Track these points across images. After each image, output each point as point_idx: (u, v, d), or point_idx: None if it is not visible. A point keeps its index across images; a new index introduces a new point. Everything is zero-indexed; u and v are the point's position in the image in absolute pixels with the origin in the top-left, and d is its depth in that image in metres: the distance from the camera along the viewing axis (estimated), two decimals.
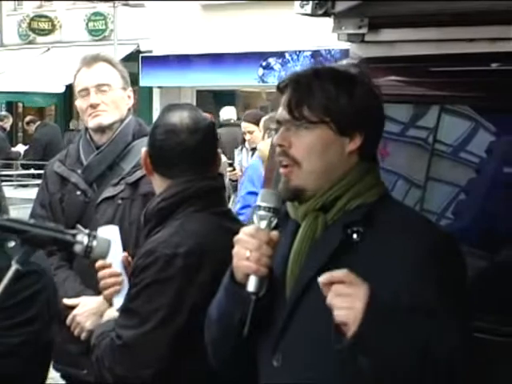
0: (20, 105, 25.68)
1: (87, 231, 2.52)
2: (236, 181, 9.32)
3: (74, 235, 2.49)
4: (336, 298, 1.96)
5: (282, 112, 2.21)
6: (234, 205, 9.42)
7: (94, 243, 2.47)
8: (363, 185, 2.17)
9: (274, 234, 2.13)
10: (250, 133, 9.12)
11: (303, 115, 2.16)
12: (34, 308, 2.66)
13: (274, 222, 2.15)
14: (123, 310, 2.67)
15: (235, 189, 9.34)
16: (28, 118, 18.55)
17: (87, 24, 23.45)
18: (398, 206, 2.26)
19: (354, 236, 2.11)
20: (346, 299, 1.94)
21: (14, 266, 2.41)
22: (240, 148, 9.69)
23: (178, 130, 2.73)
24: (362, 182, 2.17)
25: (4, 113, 20.58)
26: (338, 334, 1.96)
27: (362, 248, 2.10)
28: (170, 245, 2.61)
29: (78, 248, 2.48)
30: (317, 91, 2.17)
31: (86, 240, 2.47)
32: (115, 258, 2.82)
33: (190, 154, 2.74)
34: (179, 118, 2.76)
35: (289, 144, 2.18)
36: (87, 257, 2.51)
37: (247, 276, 2.11)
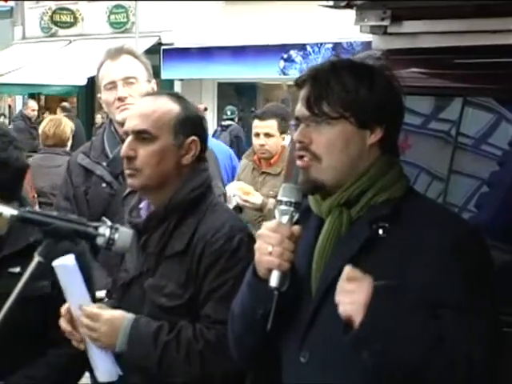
0: (42, 98, 25.77)
1: (109, 224, 2.53)
2: None
3: (96, 227, 2.50)
4: (341, 295, 1.98)
5: (300, 108, 2.20)
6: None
7: (116, 236, 2.48)
8: (388, 179, 2.16)
9: (296, 228, 2.12)
10: None
11: (323, 111, 2.15)
12: None
13: (296, 216, 2.14)
14: (224, 298, 2.56)
15: None
16: (63, 104, 18.28)
17: (109, 17, 23.48)
18: (424, 201, 2.25)
19: (380, 232, 2.09)
20: (349, 294, 1.97)
21: (37, 259, 2.42)
22: None
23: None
24: (386, 176, 2.16)
25: (27, 100, 20.44)
26: (347, 327, 1.97)
27: (388, 243, 2.08)
28: (238, 228, 2.68)
29: (100, 240, 2.49)
30: (335, 86, 2.15)
31: (108, 232, 2.48)
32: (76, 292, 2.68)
33: None
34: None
35: (309, 140, 2.17)
36: (109, 249, 2.52)
37: (269, 271, 2.10)
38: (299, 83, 2.22)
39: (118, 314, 2.69)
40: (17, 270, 2.88)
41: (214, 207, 2.74)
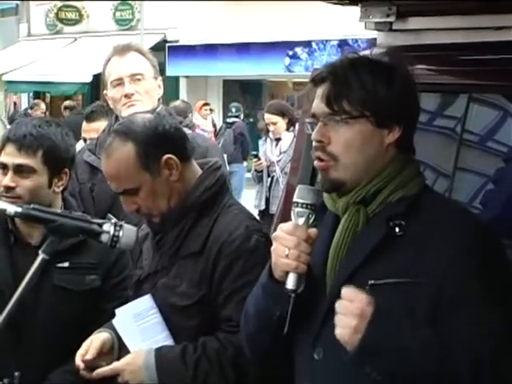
0: (48, 95, 25.79)
1: (114, 221, 2.53)
2: (261, 171, 9.29)
3: (100, 225, 2.50)
4: (337, 316, 1.98)
5: (319, 105, 2.18)
6: (258, 195, 9.41)
7: (121, 233, 2.49)
8: (404, 177, 2.15)
9: (313, 231, 2.12)
10: (274, 124, 9.14)
11: (343, 109, 2.13)
12: None
13: (312, 218, 2.13)
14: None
15: (260, 179, 9.32)
16: (67, 103, 18.25)
17: (114, 14, 23.48)
18: (439, 198, 2.25)
19: (396, 229, 2.09)
20: (343, 317, 1.96)
21: (41, 256, 2.42)
22: (264, 138, 9.68)
23: None
24: (402, 174, 2.15)
25: (36, 101, 20.50)
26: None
27: (404, 241, 2.08)
28: (254, 228, 2.67)
29: (104, 237, 2.50)
30: (355, 84, 2.13)
31: (112, 230, 2.48)
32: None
33: None
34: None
35: (328, 140, 2.15)
36: (113, 246, 2.52)
37: (286, 273, 2.10)
38: (317, 80, 2.20)
39: (136, 353, 2.65)
40: (65, 264, 2.92)
41: (228, 208, 2.72)
